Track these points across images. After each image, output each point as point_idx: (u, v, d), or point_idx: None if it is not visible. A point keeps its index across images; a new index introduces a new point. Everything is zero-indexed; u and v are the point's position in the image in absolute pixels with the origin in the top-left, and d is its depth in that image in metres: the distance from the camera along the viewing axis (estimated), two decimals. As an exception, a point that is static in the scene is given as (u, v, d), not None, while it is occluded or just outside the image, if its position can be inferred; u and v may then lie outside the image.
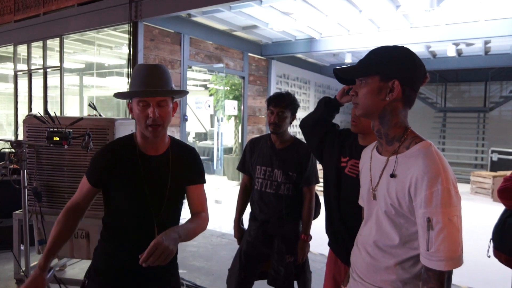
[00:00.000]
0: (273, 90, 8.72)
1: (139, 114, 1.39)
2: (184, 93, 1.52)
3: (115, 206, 1.50)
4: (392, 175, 1.14)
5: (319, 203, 2.43)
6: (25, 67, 7.65)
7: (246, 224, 2.53)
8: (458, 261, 1.03)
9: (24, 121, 2.96)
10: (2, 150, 4.25)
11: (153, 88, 1.38)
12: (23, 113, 7.70)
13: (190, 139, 10.93)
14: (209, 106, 7.44)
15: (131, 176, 1.45)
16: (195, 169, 1.58)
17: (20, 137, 7.59)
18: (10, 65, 8.58)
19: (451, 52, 7.65)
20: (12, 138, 7.85)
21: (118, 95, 1.47)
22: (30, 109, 7.34)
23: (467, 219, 5.86)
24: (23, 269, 2.98)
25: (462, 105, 12.42)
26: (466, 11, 5.83)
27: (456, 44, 7.57)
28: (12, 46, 7.68)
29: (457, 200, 1.05)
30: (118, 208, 1.50)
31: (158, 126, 1.39)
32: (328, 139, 1.90)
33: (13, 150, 2.68)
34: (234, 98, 8.22)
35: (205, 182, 1.61)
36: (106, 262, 1.50)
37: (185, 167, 1.54)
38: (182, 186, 1.54)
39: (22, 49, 7.68)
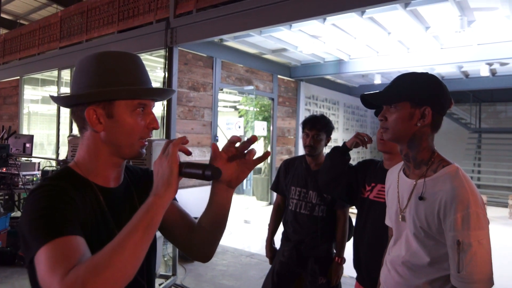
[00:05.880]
0: (302, 111, 8.80)
1: (137, 123, 0.95)
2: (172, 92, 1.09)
3: None
4: (421, 198, 1.18)
5: (352, 226, 2.45)
6: (67, 90, 8.14)
7: (277, 244, 2.58)
8: (488, 282, 1.06)
9: (69, 141, 3.19)
10: (45, 168, 4.57)
11: (150, 86, 0.98)
12: (63, 133, 8.13)
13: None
14: (239, 127, 7.60)
15: (97, 221, 0.94)
16: None
17: (60, 156, 8.01)
18: (53, 88, 9.15)
19: (485, 72, 7.50)
20: (53, 156, 8.30)
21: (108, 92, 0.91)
22: (71, 129, 7.75)
23: (506, 245, 5.62)
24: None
25: (498, 125, 12.01)
26: (498, 31, 5.75)
27: (490, 64, 7.42)
28: (57, 70, 8.21)
29: (486, 223, 1.08)
30: None
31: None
32: (353, 179, 1.95)
33: (55, 168, 2.89)
34: (264, 119, 8.35)
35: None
36: None
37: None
38: None
39: (65, 73, 8.20)
